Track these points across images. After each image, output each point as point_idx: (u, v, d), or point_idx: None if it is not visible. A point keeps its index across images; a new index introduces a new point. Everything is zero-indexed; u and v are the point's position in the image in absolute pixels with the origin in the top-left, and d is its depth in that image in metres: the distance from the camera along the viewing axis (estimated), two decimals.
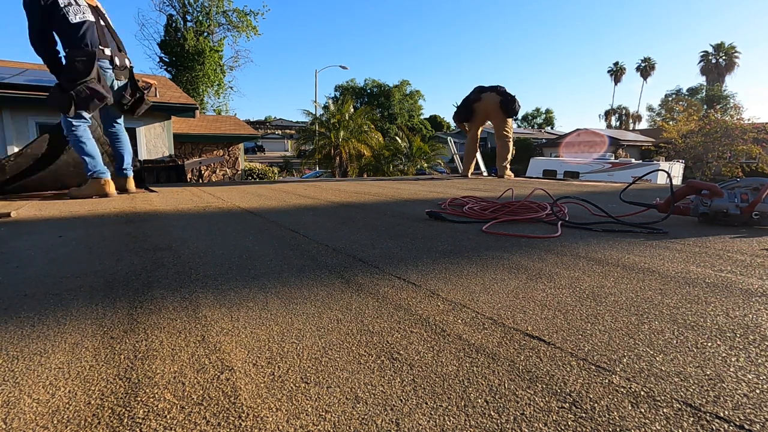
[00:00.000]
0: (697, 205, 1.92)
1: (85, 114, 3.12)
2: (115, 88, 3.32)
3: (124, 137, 3.56)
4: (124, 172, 3.53)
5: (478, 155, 8.60)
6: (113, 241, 1.61)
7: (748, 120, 21.90)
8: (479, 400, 0.58)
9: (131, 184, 3.58)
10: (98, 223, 2.02)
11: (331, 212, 2.38)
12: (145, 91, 3.49)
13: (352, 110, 19.48)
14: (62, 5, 2.95)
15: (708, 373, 0.64)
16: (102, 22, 3.19)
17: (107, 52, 3.17)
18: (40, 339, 0.77)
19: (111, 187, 3.25)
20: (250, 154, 36.82)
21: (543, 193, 3.23)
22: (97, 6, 3.22)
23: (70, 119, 3.07)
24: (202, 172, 13.44)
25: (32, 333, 0.79)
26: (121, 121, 3.53)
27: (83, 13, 3.04)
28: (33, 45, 2.99)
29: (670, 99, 47.25)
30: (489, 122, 6.22)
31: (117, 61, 3.26)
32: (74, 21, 2.99)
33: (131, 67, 3.43)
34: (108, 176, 3.24)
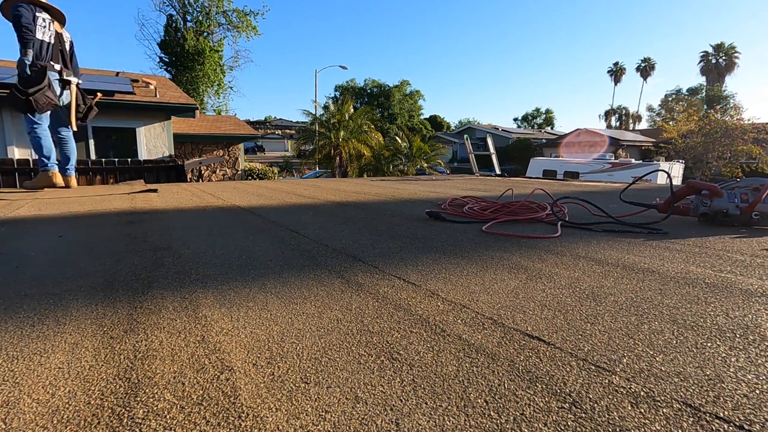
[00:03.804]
0: (697, 205, 1.92)
1: (42, 116, 3.80)
2: (65, 98, 3.99)
3: (72, 142, 4.26)
4: (68, 171, 4.19)
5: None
6: (113, 241, 1.61)
7: (748, 120, 21.88)
8: (479, 400, 0.58)
9: (73, 181, 4.26)
10: (98, 223, 2.02)
11: (331, 212, 2.38)
12: (91, 98, 4.26)
13: (352, 110, 19.44)
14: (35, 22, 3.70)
15: (708, 373, 0.64)
16: (60, 46, 3.95)
17: (57, 67, 3.88)
18: (40, 339, 0.77)
19: (58, 178, 3.97)
20: (250, 154, 36.75)
21: (543, 193, 3.23)
22: (61, 33, 3.97)
23: (32, 117, 3.74)
24: (202, 172, 13.44)
25: (32, 333, 0.79)
26: (68, 128, 4.16)
27: (50, 36, 3.82)
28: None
29: (670, 99, 47.21)
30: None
31: (64, 74, 3.95)
32: (40, 38, 3.75)
33: (78, 83, 4.16)
34: (56, 169, 3.97)
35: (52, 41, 3.89)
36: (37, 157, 3.90)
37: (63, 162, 4.15)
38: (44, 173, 3.88)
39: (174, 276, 1.14)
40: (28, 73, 3.63)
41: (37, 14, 3.77)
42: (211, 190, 3.90)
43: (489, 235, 1.69)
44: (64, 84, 3.98)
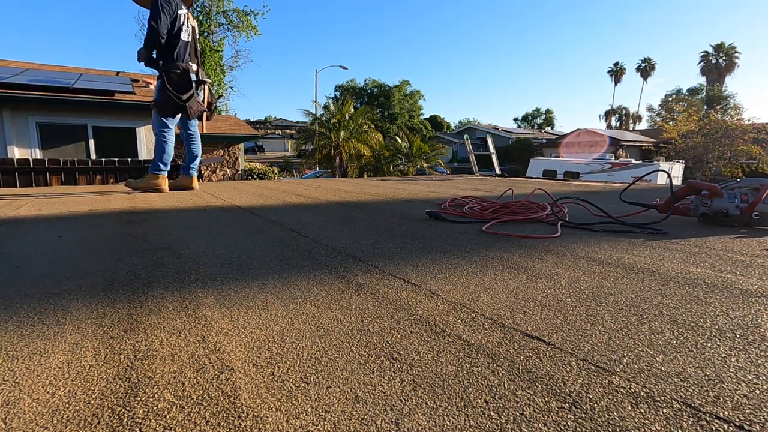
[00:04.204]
0: (697, 205, 1.92)
1: (172, 119, 3.59)
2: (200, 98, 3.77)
3: (199, 139, 3.94)
4: (192, 171, 3.90)
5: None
6: (113, 241, 1.61)
7: (748, 120, 21.87)
8: (479, 401, 0.58)
9: (195, 182, 3.95)
10: (98, 223, 2.02)
11: (331, 212, 2.38)
12: (214, 100, 4.00)
13: (353, 110, 19.45)
14: (180, 22, 3.38)
15: (708, 373, 0.64)
16: (194, 42, 3.62)
17: (194, 68, 3.63)
18: (40, 339, 0.77)
19: (165, 184, 3.66)
20: (250, 154, 36.73)
21: (543, 193, 3.23)
22: (194, 26, 3.64)
23: (164, 120, 3.51)
24: (202, 172, 13.44)
25: (32, 333, 0.79)
26: (196, 124, 3.89)
27: (189, 34, 3.52)
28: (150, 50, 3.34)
29: (670, 99, 47.16)
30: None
31: (200, 75, 3.70)
32: (185, 39, 3.45)
33: (210, 83, 3.89)
34: (165, 174, 3.66)
35: (190, 38, 3.50)
36: (153, 159, 3.59)
37: (188, 160, 3.85)
38: (154, 175, 3.58)
39: (174, 276, 1.14)
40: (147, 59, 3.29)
41: (179, 12, 3.33)
42: (211, 190, 3.90)
43: (489, 235, 1.69)
44: (199, 84, 3.68)
